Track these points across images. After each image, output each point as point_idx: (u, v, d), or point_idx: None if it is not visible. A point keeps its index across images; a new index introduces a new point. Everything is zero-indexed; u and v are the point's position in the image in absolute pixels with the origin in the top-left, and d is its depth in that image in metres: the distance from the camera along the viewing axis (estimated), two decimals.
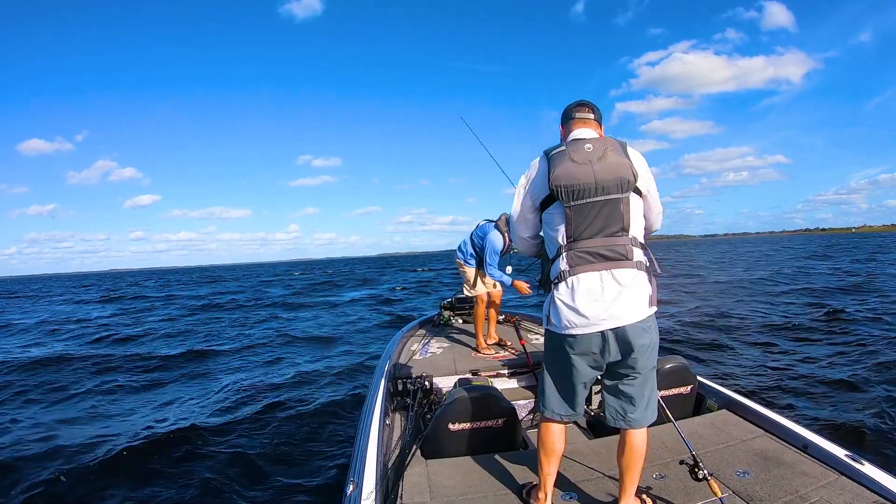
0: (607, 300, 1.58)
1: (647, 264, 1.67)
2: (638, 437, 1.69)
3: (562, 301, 1.63)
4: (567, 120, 1.82)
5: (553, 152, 1.68)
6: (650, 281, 1.64)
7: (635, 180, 1.64)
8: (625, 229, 1.63)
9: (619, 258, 1.61)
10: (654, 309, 1.65)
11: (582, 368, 1.66)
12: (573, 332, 1.61)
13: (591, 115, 1.80)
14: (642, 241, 1.69)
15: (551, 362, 1.76)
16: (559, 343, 1.67)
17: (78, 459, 3.97)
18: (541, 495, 1.80)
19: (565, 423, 1.80)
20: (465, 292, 4.39)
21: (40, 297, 31.37)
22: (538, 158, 1.74)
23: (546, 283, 1.77)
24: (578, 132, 1.76)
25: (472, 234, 4.29)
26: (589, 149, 1.64)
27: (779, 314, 9.17)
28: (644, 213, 1.74)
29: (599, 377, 1.74)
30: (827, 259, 25.80)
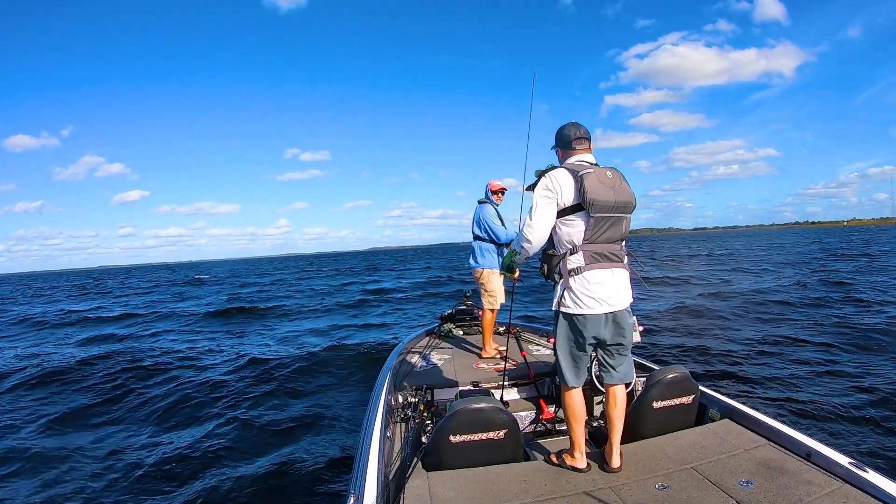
0: (611, 290, 2.07)
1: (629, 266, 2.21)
2: (621, 391, 2.23)
3: (579, 289, 2.06)
4: (568, 147, 2.20)
5: (582, 172, 2.03)
6: (631, 278, 2.19)
7: (635, 206, 2.12)
8: (622, 239, 2.14)
9: (618, 260, 2.11)
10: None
11: (587, 342, 2.12)
12: (585, 312, 2.07)
13: (588, 145, 2.21)
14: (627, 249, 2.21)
15: (565, 339, 2.17)
16: (573, 322, 2.11)
17: None
18: (577, 455, 2.16)
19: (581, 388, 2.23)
20: (487, 305, 4.27)
21: None
22: (563, 172, 2.08)
23: (553, 273, 2.16)
24: (584, 156, 2.18)
25: (474, 233, 4.26)
26: (610, 175, 2.06)
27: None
28: None
29: (595, 353, 2.24)
30: None
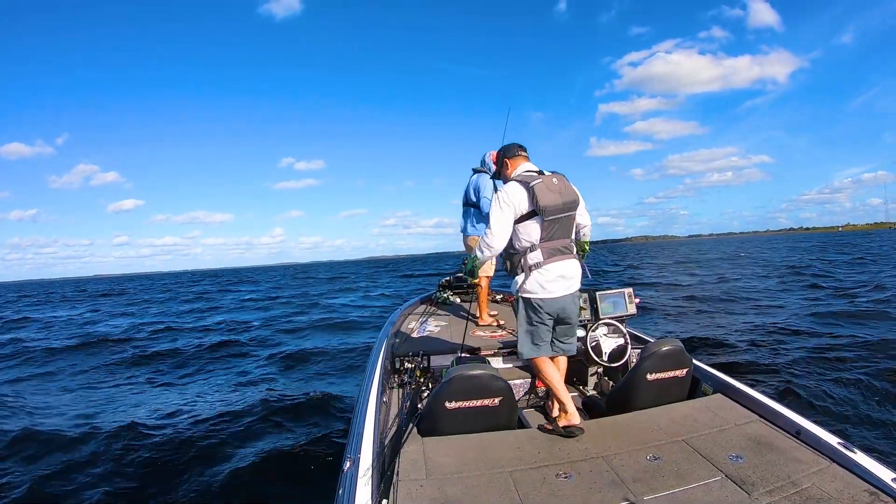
0: (566, 279, 2.45)
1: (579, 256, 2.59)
2: (565, 359, 2.69)
3: (540, 279, 2.42)
4: (514, 156, 2.61)
5: (532, 182, 2.37)
6: (582, 266, 2.57)
7: (579, 203, 2.50)
8: (571, 234, 2.51)
9: (569, 253, 2.48)
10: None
11: (547, 322, 2.49)
12: (545, 297, 2.43)
13: (526, 154, 2.63)
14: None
15: (525, 319, 2.51)
16: (534, 306, 2.46)
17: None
18: (569, 410, 2.35)
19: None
20: (481, 272, 4.23)
21: None
22: (515, 186, 2.40)
23: (516, 268, 2.49)
24: (527, 165, 2.56)
25: (470, 200, 4.18)
26: (555, 182, 2.41)
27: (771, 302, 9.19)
28: (580, 221, 2.64)
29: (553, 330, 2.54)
30: None
